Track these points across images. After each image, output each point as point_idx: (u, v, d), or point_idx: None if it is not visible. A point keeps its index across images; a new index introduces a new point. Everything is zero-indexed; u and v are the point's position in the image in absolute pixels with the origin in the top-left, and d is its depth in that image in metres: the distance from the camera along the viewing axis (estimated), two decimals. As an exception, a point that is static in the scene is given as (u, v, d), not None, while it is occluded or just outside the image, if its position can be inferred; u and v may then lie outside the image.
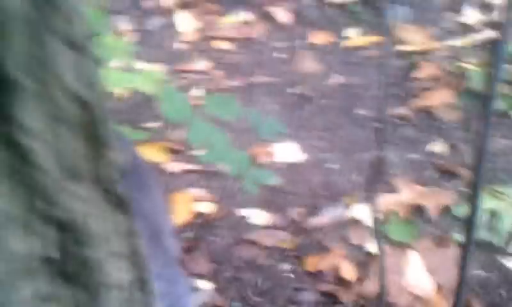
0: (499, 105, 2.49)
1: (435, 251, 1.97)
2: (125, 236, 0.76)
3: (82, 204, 0.66)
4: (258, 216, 2.10)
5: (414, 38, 3.02)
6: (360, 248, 2.00)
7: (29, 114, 0.58)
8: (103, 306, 0.73)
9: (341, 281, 1.89)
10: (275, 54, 2.96)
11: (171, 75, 2.77)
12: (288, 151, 2.35)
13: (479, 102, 1.08)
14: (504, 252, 1.97)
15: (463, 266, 1.20)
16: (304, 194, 2.18)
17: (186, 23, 3.13)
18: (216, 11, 3.23)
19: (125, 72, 2.32)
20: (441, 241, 2.00)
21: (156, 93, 2.21)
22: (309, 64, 2.88)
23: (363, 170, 2.27)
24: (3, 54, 0.56)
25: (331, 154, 2.36)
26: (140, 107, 2.55)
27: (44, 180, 0.61)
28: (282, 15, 3.19)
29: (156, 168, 2.23)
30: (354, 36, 3.07)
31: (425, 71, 2.78)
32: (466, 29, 3.10)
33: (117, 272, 0.75)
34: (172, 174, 2.24)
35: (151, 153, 2.28)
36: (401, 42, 2.98)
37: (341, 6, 3.26)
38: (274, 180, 2.18)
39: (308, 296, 1.86)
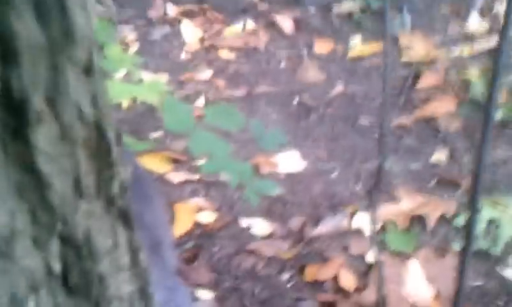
0: (500, 114, 2.49)
1: (435, 261, 1.97)
2: (127, 250, 0.77)
3: (85, 219, 0.68)
4: (258, 226, 2.10)
5: (418, 47, 3.02)
6: (360, 258, 2.00)
7: (42, 136, 0.60)
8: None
9: (341, 291, 1.90)
10: (279, 63, 2.97)
11: (175, 85, 2.78)
12: (290, 161, 2.36)
13: (481, 111, 1.08)
14: (503, 262, 1.97)
15: (460, 275, 1.20)
16: (305, 204, 2.19)
17: (190, 32, 3.14)
18: (220, 20, 3.24)
19: (129, 82, 2.34)
20: (441, 251, 2.00)
21: (159, 103, 2.22)
22: (313, 73, 2.89)
23: (365, 180, 2.28)
24: (21, 81, 0.58)
25: (333, 164, 2.36)
26: (143, 117, 2.56)
27: (52, 197, 0.63)
28: (286, 24, 3.19)
29: (158, 178, 2.24)
30: (358, 45, 3.07)
31: (429, 80, 2.78)
32: (471, 37, 3.09)
33: (119, 284, 0.77)
34: (174, 184, 2.25)
35: (153, 163, 2.29)
36: (405, 50, 2.99)
37: (345, 15, 3.26)
38: (276, 190, 2.19)
39: (308, 306, 1.87)
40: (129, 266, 0.78)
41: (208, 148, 1.71)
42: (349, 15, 3.25)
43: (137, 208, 0.81)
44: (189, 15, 3.26)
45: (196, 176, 2.27)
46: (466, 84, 2.68)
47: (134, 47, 3.04)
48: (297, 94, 2.73)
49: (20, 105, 0.58)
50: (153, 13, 3.27)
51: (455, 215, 2.09)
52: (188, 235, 2.07)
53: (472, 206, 1.12)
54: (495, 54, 1.02)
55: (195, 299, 1.85)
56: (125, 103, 2.58)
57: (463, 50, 2.96)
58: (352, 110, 2.65)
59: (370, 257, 1.98)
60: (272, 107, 2.66)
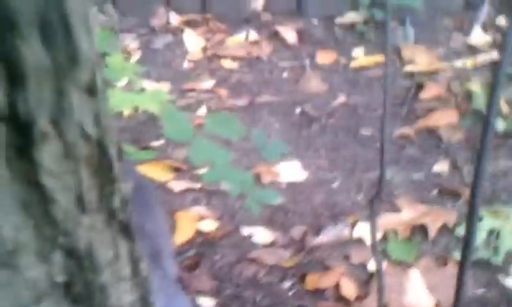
0: (502, 125, 2.49)
1: (436, 270, 1.98)
2: (128, 261, 0.79)
3: (88, 232, 0.70)
4: (260, 234, 2.11)
5: (421, 58, 3.03)
6: (361, 267, 2.01)
7: (47, 154, 0.62)
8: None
9: (342, 299, 1.90)
10: (282, 74, 2.98)
11: (177, 94, 2.79)
12: (291, 171, 2.37)
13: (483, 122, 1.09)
14: (504, 272, 1.98)
15: (459, 285, 1.21)
16: (307, 213, 2.20)
17: (192, 42, 3.15)
18: (223, 30, 3.25)
19: (130, 91, 2.34)
20: (442, 260, 2.01)
21: (160, 112, 2.23)
22: (315, 83, 2.90)
23: (366, 189, 2.29)
24: (27, 104, 0.60)
25: (334, 173, 2.37)
26: (145, 125, 2.57)
27: (55, 212, 0.65)
28: (289, 34, 3.20)
29: (160, 186, 2.25)
30: (361, 56, 3.08)
31: (431, 91, 2.79)
32: (474, 50, 3.11)
33: (120, 294, 0.78)
34: (175, 192, 2.26)
35: (155, 172, 2.30)
36: (408, 62, 3.00)
37: (348, 27, 3.28)
38: (277, 200, 2.19)
39: (309, 314, 1.88)
40: (130, 276, 0.80)
41: (209, 156, 1.71)
42: (352, 26, 3.26)
43: (138, 217, 0.82)
44: (191, 24, 3.27)
45: (198, 185, 2.28)
46: (468, 96, 2.69)
47: (136, 56, 3.05)
48: (299, 104, 2.74)
49: (26, 126, 0.60)
50: (155, 22, 3.28)
51: (456, 225, 2.10)
52: (190, 243, 2.07)
53: (471, 214, 1.12)
54: (495, 66, 1.03)
55: (196, 306, 1.86)
56: (127, 112, 2.58)
57: (466, 63, 2.97)
58: (354, 121, 2.65)
59: (372, 266, 1.98)
60: (275, 116, 2.67)
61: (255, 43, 3.18)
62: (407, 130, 2.56)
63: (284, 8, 3.38)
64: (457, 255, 2.00)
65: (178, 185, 2.28)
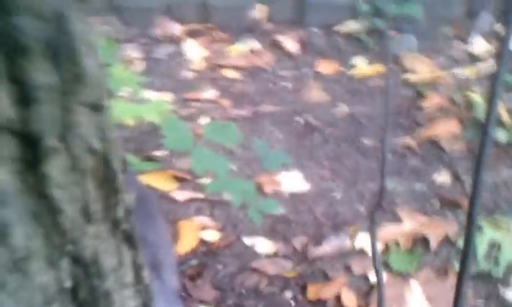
0: (504, 136, 2.50)
1: (436, 281, 1.98)
2: (131, 268, 0.82)
3: (93, 240, 0.74)
4: (262, 244, 2.11)
5: (421, 68, 3.04)
6: (362, 277, 2.01)
7: (55, 168, 0.66)
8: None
9: (343, 310, 1.91)
10: (282, 83, 2.99)
11: (179, 104, 2.80)
12: (293, 181, 2.37)
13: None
14: (504, 284, 1.98)
15: (457, 295, 1.21)
16: (308, 223, 2.20)
17: (194, 51, 3.17)
18: (224, 39, 3.27)
19: (132, 102, 2.35)
20: (442, 271, 2.01)
21: (161, 122, 2.23)
22: (316, 93, 2.90)
23: (368, 200, 2.29)
24: (37, 122, 0.63)
25: (336, 183, 2.38)
26: (148, 135, 2.58)
27: (63, 222, 0.69)
28: (290, 44, 3.22)
29: (163, 196, 2.26)
30: (362, 66, 3.09)
31: (432, 100, 2.80)
32: (474, 58, 3.12)
33: (124, 299, 0.82)
34: (179, 202, 2.26)
35: (158, 182, 2.30)
36: (409, 71, 3.01)
37: (349, 36, 3.29)
38: (279, 210, 2.20)
39: (310, 324, 1.88)
40: (133, 283, 0.83)
41: (210, 165, 1.72)
42: (354, 36, 3.27)
43: (140, 227, 0.85)
44: (193, 34, 3.29)
45: (201, 195, 2.28)
46: (469, 105, 2.70)
47: (138, 66, 3.06)
48: (301, 114, 2.75)
49: (35, 141, 0.64)
50: (158, 32, 3.30)
51: (458, 236, 2.10)
52: (193, 252, 2.08)
53: (470, 224, 1.12)
54: (493, 75, 1.03)
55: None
56: (130, 122, 2.59)
57: (467, 72, 2.97)
58: (356, 131, 2.66)
59: (373, 277, 1.98)
60: (277, 126, 2.67)
61: (257, 52, 3.19)
62: (408, 140, 2.57)
63: (285, 18, 3.39)
64: (458, 266, 2.00)
65: (181, 195, 2.28)
